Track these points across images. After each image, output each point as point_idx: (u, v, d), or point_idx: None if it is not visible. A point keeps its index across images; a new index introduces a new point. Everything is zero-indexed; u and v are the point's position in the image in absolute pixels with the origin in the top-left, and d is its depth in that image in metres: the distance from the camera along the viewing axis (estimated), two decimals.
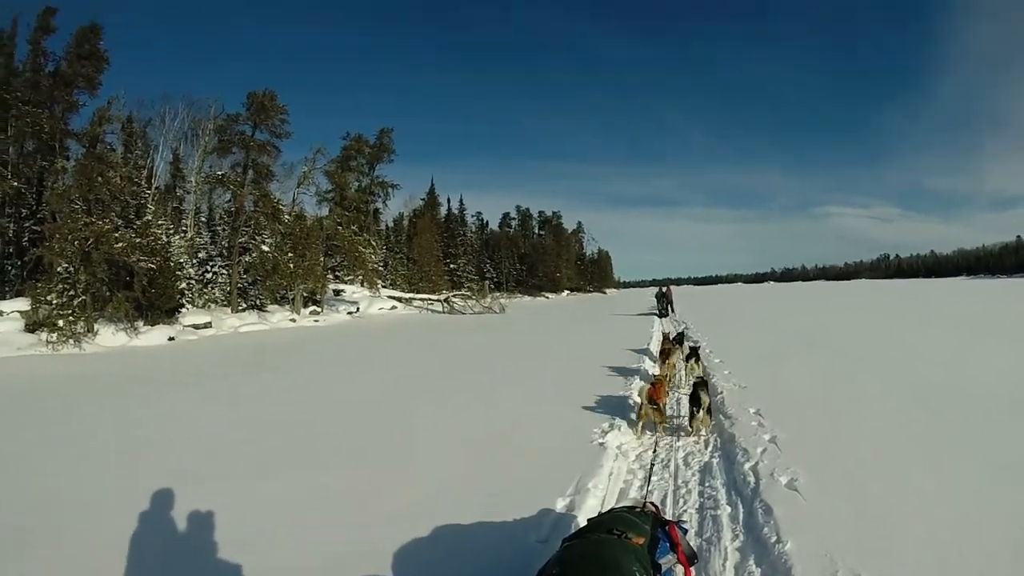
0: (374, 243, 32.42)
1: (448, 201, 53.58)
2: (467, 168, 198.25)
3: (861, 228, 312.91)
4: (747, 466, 4.73)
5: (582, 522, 3.17)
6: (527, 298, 55.36)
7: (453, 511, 3.82)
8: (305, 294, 25.30)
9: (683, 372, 8.80)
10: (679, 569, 2.57)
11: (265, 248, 23.37)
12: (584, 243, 78.07)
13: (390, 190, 34.94)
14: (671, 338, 10.83)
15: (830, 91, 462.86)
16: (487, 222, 61.93)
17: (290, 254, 23.93)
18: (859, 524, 3.52)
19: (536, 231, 67.23)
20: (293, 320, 23.12)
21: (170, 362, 13.60)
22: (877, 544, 3.26)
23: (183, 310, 19.96)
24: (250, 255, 23.71)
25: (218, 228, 27.97)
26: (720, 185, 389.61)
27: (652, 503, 3.05)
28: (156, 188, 27.48)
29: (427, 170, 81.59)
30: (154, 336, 17.31)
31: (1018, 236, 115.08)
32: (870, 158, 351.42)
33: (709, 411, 6.11)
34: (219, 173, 25.12)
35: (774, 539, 3.48)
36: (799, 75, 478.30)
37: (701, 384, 6.36)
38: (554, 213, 69.85)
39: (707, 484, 4.60)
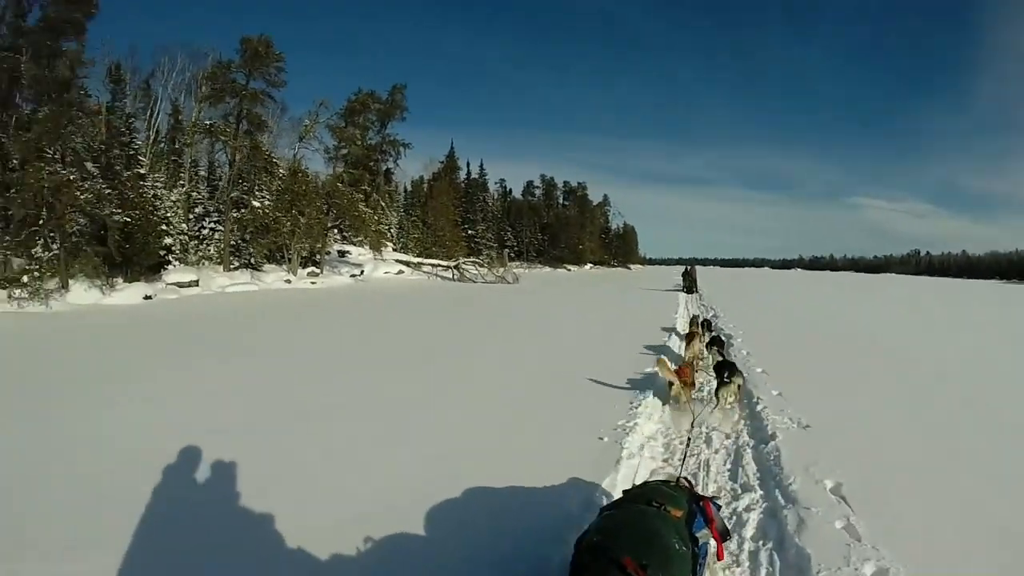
0: (383, 203, 30.72)
1: (468, 165, 51.63)
2: (490, 135, 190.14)
3: (892, 221, 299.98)
4: None
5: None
6: (547, 269, 53.69)
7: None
8: (304, 253, 23.85)
9: (708, 359, 7.79)
10: (712, 544, 2.51)
11: (256, 204, 21.84)
12: (609, 217, 75.16)
13: (402, 149, 32.59)
14: (699, 322, 10.37)
15: (867, 82, 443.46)
16: (510, 189, 60.22)
17: (292, 211, 22.46)
18: None
19: (560, 201, 65.29)
20: (288, 281, 21.66)
21: (103, 328, 11.54)
22: None
23: (168, 267, 18.71)
24: (242, 210, 22.27)
25: (218, 183, 26.77)
26: (750, 167, 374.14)
27: (686, 478, 2.92)
28: (156, 140, 26.31)
29: (447, 134, 78.49)
30: (129, 294, 16.01)
31: None
32: (905, 152, 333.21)
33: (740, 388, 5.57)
34: (207, 122, 23.46)
35: None
36: (836, 64, 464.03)
37: (727, 363, 6.05)
38: (579, 184, 67.39)
39: None
